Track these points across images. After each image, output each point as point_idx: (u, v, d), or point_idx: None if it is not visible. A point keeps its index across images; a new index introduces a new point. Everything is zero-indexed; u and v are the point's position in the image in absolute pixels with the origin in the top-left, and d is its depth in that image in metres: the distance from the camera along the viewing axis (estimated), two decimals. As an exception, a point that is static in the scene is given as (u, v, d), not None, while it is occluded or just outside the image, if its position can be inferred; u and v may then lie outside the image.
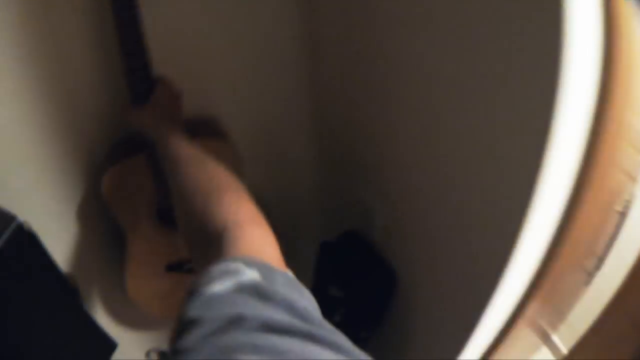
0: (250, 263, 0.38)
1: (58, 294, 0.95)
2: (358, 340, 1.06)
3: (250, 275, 0.36)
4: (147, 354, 1.40)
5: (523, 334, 0.79)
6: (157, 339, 1.38)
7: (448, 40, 0.68)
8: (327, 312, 0.87)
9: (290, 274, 0.40)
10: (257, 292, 0.35)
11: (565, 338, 0.77)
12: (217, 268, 0.38)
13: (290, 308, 0.34)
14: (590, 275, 0.67)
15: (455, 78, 0.69)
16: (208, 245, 0.45)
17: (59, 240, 1.03)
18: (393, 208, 0.96)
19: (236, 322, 0.32)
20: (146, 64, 0.79)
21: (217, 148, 0.93)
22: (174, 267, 1.06)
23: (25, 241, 0.79)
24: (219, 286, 0.36)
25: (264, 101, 1.07)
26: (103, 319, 1.22)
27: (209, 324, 0.32)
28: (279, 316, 0.33)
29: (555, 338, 0.79)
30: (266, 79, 1.04)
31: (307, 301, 0.37)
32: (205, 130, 0.97)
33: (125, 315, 1.25)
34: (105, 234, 1.09)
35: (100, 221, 1.06)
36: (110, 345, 1.10)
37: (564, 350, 0.77)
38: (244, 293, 0.35)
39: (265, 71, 1.03)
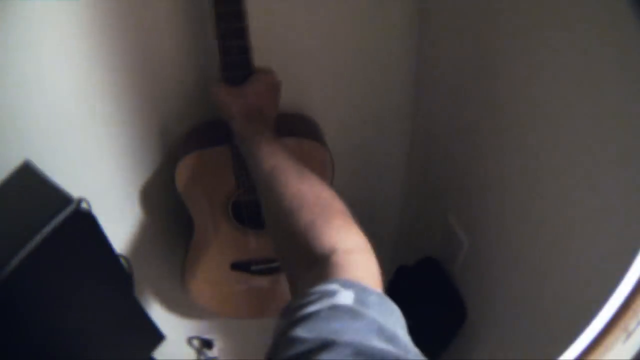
0: (347, 284, 0.40)
1: (112, 278, 0.91)
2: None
3: (346, 296, 0.38)
4: (190, 340, 1.36)
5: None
6: (199, 327, 1.34)
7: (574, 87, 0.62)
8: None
9: (383, 294, 0.42)
10: (350, 313, 0.37)
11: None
12: (318, 289, 0.40)
13: (380, 331, 0.36)
14: (629, 335, 0.69)
15: (575, 131, 0.64)
16: (311, 265, 0.46)
17: (119, 221, 0.98)
18: (479, 243, 0.92)
19: (329, 346, 0.34)
20: (246, 46, 0.68)
21: (311, 150, 0.83)
22: (240, 267, 0.98)
23: (83, 222, 0.75)
24: (316, 307, 0.38)
25: (360, 110, 1.02)
26: (148, 303, 1.17)
27: (303, 345, 0.35)
28: (369, 340, 0.35)
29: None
30: (366, 89, 0.99)
31: (396, 321, 0.39)
32: (300, 129, 0.86)
33: (170, 301, 1.21)
34: (165, 220, 1.03)
35: (163, 207, 1.00)
36: (157, 337, 1.05)
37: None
38: (338, 315, 0.37)
39: (366, 81, 0.98)
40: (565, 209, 0.68)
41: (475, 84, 0.82)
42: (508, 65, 0.73)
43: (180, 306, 1.22)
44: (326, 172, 0.83)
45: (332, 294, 0.38)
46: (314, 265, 0.45)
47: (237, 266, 0.97)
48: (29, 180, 0.77)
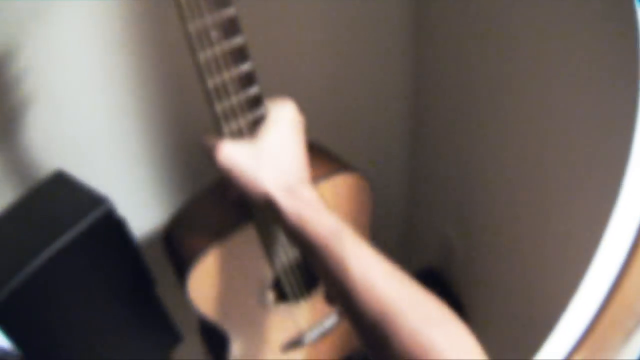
0: None
1: (135, 277, 0.85)
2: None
3: None
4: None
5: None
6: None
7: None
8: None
9: None
10: None
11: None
12: None
13: None
14: (629, 334, 0.71)
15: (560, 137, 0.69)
16: None
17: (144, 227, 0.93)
18: (472, 252, 0.98)
19: None
20: (253, 73, 0.48)
21: (350, 186, 0.64)
22: (293, 344, 0.82)
23: (113, 226, 0.73)
24: None
25: (359, 123, 1.02)
26: (167, 304, 1.11)
27: None
28: None
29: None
30: (365, 100, 0.98)
31: None
32: (321, 161, 0.66)
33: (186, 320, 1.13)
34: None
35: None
36: (175, 337, 0.98)
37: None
38: None
39: (365, 92, 0.97)
40: (550, 216, 0.74)
41: (473, 100, 0.85)
42: (503, 82, 0.76)
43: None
44: (369, 206, 0.66)
45: None
46: None
47: (289, 346, 0.81)
48: (62, 185, 0.77)
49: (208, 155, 0.48)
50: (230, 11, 0.45)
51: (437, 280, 1.06)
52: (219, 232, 0.60)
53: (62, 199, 0.75)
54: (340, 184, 0.63)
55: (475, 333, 0.99)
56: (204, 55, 0.45)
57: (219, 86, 0.47)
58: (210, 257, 0.60)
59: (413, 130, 1.05)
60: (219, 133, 0.49)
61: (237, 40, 0.46)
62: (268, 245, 0.61)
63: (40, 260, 0.64)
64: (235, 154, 0.47)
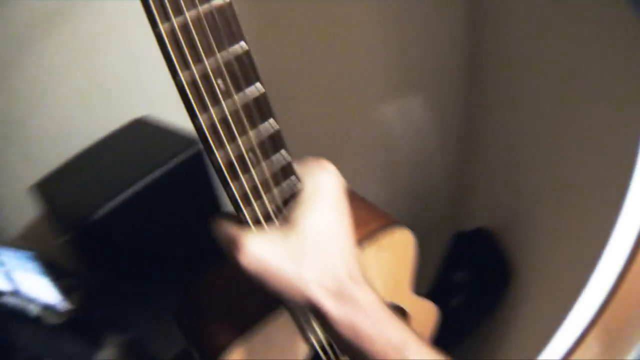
0: None
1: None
2: (470, 323, 1.16)
3: None
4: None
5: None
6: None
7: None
8: (448, 295, 1.07)
9: None
10: None
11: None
12: None
13: None
14: None
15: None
16: None
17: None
18: (525, 214, 1.00)
19: None
20: (276, 139, 0.34)
21: (399, 241, 0.52)
22: None
23: (200, 168, 0.76)
24: None
25: (412, 90, 1.04)
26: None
27: None
28: None
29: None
30: (419, 73, 0.99)
31: None
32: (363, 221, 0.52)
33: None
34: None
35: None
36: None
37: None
38: None
39: (420, 64, 0.98)
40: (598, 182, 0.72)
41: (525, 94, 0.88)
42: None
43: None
44: (413, 258, 0.55)
45: None
46: None
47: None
48: (151, 129, 0.81)
49: (228, 253, 0.35)
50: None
51: (488, 241, 1.10)
52: (244, 323, 0.46)
53: (153, 139, 0.79)
54: (385, 243, 0.50)
55: (522, 294, 1.01)
56: (207, 116, 0.31)
57: (234, 159, 0.33)
58: (236, 353, 0.46)
59: (465, 97, 1.08)
60: (239, 219, 0.35)
61: (254, 89, 0.32)
62: (303, 324, 0.49)
63: (135, 188, 0.68)
64: (266, 253, 0.34)
